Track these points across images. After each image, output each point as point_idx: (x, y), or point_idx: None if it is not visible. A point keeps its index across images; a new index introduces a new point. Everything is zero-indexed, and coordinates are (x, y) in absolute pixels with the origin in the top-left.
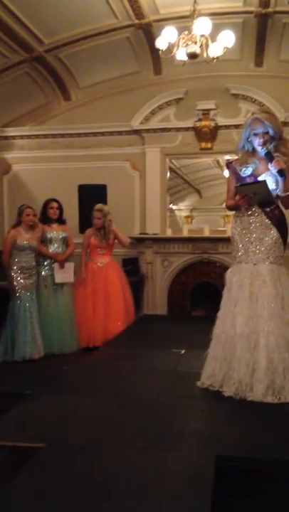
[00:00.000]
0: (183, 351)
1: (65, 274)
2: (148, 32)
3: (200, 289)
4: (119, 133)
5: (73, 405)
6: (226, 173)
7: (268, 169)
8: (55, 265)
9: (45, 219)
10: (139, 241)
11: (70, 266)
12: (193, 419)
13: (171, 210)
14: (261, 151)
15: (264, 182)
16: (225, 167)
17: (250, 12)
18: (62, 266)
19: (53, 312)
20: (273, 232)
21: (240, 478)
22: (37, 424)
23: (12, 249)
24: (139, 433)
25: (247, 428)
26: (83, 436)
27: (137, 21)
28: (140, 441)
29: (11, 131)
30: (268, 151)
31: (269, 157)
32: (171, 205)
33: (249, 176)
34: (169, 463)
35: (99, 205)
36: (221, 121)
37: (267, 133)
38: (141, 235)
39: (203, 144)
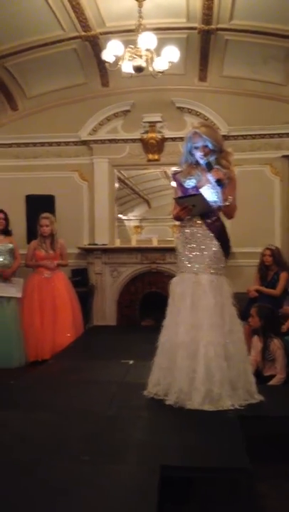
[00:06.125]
0: (131, 362)
1: (12, 289)
2: (95, 44)
3: (149, 299)
4: (67, 143)
5: (18, 421)
6: (174, 183)
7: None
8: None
9: None
10: (87, 252)
11: (18, 281)
12: (139, 429)
13: (121, 221)
14: (202, 162)
15: (200, 194)
16: (171, 178)
17: (194, 28)
18: (9, 280)
19: (0, 326)
20: (214, 243)
21: (180, 486)
22: None
23: None
24: (85, 446)
25: (189, 437)
26: (28, 452)
27: (83, 33)
28: (86, 455)
29: None
30: (208, 161)
31: (209, 167)
32: (120, 216)
33: (192, 187)
34: (114, 475)
35: (46, 213)
36: (168, 133)
37: (206, 146)
38: (90, 246)
39: (151, 156)
